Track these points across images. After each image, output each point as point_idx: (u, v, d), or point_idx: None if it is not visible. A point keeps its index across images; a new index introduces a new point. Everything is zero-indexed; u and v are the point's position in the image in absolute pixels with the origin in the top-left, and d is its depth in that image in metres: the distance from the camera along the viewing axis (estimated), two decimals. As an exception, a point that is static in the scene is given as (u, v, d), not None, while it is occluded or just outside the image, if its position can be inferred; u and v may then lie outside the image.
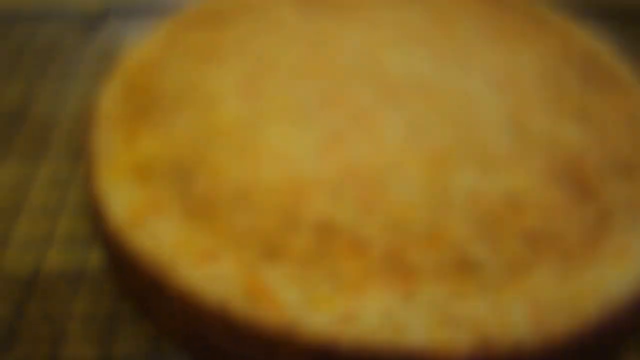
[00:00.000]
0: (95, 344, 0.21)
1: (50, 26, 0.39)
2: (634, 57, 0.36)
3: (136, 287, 0.19)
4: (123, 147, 0.22)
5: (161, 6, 0.39)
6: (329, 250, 0.18)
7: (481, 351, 0.17)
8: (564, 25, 0.29)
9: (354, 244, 0.18)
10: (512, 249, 0.18)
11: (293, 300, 0.17)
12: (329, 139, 0.22)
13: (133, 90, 0.24)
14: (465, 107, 0.24)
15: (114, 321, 0.22)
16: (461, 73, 0.26)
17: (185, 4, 0.38)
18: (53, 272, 0.23)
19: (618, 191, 0.21)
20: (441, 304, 0.17)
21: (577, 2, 0.41)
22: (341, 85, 0.25)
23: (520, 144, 0.22)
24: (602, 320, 0.18)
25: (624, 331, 0.18)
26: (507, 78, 0.25)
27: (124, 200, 0.20)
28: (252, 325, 0.17)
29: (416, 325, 0.17)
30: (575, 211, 0.20)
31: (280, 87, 0.24)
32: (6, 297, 0.22)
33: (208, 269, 0.18)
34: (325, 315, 0.17)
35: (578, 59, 0.27)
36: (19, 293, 0.22)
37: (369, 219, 0.19)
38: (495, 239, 0.19)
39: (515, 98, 0.24)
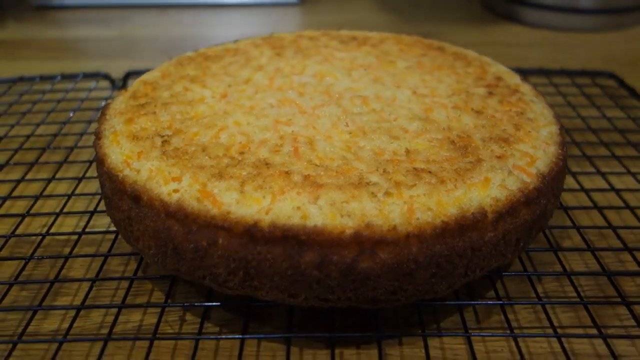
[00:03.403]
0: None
1: (86, 83, 0.49)
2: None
3: (122, 208, 0.26)
4: (123, 126, 0.29)
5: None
6: (262, 176, 0.25)
7: (364, 230, 0.22)
8: (484, 60, 0.37)
9: (282, 173, 0.25)
10: (400, 176, 0.25)
11: (231, 200, 0.23)
12: (278, 122, 0.29)
13: (136, 97, 0.32)
14: (389, 107, 0.31)
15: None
16: (392, 89, 0.33)
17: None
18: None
19: (491, 151, 0.27)
20: (338, 204, 0.23)
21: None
22: (295, 95, 0.32)
23: (425, 127, 0.29)
24: (462, 220, 0.23)
25: (480, 235, 0.24)
26: (428, 92, 0.33)
27: (120, 152, 0.27)
28: (201, 216, 0.23)
29: (317, 215, 0.23)
30: (456, 160, 0.26)
31: (247, 96, 0.32)
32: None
33: (172, 185, 0.25)
34: (253, 208, 0.23)
35: (488, 80, 0.34)
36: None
37: (297, 162, 0.26)
38: (389, 172, 0.25)
39: (430, 103, 0.32)
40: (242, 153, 0.26)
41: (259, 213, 0.23)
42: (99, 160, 0.28)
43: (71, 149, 0.39)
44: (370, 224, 0.23)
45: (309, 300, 0.24)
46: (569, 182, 0.35)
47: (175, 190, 0.24)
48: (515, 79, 0.35)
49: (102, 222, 0.32)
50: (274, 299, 0.24)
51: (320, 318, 0.27)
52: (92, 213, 0.32)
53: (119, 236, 0.31)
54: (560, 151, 0.29)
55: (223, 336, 0.25)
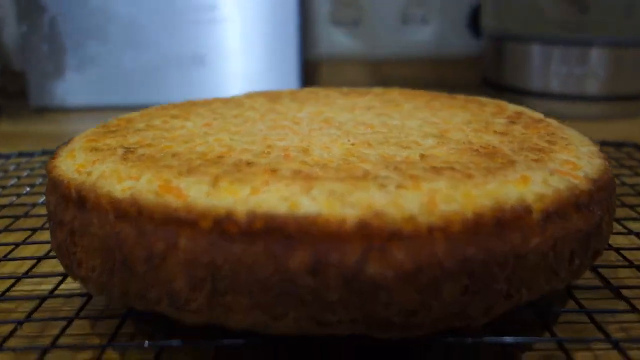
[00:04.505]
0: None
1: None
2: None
3: (65, 221, 0.20)
4: (83, 143, 0.25)
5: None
6: (243, 172, 0.19)
7: (372, 219, 0.17)
8: (499, 102, 0.33)
9: (267, 170, 0.20)
10: (417, 172, 0.20)
11: (200, 193, 0.18)
12: (267, 138, 0.25)
13: (108, 127, 0.28)
14: (398, 130, 0.27)
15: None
16: (400, 120, 0.29)
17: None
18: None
19: (525, 156, 0.22)
20: (337, 194, 0.18)
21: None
22: (289, 123, 0.28)
23: (442, 142, 0.24)
24: (499, 214, 0.18)
25: (524, 238, 0.18)
26: (441, 121, 0.29)
27: (73, 162, 0.22)
28: (158, 210, 0.18)
29: (310, 204, 0.17)
30: (483, 163, 0.21)
31: (234, 124, 0.28)
32: None
33: (127, 183, 0.19)
34: (227, 199, 0.18)
35: (508, 114, 0.30)
36: None
37: (287, 163, 0.21)
38: (402, 169, 0.20)
39: (445, 127, 0.27)
40: (220, 157, 0.22)
41: (235, 204, 0.18)
42: (48, 176, 0.23)
43: (33, 205, 0.34)
44: (381, 212, 0.17)
45: (301, 323, 0.17)
46: (615, 227, 0.30)
47: (130, 188, 0.19)
48: (538, 114, 0.31)
49: (50, 269, 0.27)
50: (253, 325, 0.18)
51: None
52: (39, 259, 0.27)
53: (66, 279, 0.25)
54: (607, 165, 0.24)
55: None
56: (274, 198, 0.18)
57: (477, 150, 0.23)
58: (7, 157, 0.45)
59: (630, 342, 0.21)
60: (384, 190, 0.18)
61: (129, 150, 0.23)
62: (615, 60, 0.62)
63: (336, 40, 0.85)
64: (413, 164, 0.21)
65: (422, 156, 0.22)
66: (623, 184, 0.37)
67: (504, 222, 0.18)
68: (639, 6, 0.65)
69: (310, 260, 0.17)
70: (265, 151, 0.22)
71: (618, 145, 0.46)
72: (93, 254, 0.20)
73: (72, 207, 0.20)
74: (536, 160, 0.22)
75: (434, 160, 0.21)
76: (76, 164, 0.22)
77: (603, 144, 0.46)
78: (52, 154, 0.44)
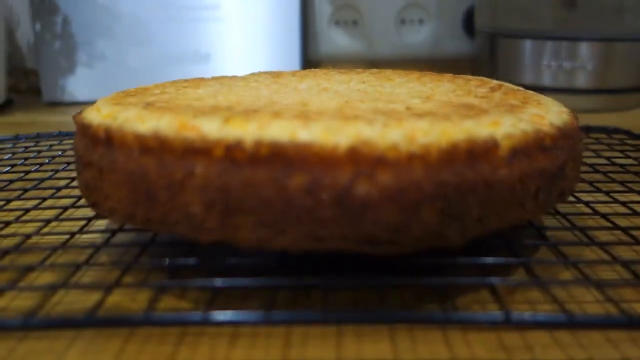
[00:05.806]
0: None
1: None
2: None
3: (93, 161, 0.23)
4: (108, 101, 0.28)
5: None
6: (251, 116, 0.22)
7: (360, 147, 0.20)
8: (483, 78, 0.36)
9: (273, 113, 0.23)
10: (400, 115, 0.22)
11: (213, 127, 0.21)
12: (271, 98, 0.28)
13: (127, 92, 0.31)
14: (388, 94, 0.30)
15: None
16: (391, 89, 0.32)
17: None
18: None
19: (498, 110, 0.25)
20: (331, 128, 0.21)
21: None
22: (290, 89, 0.31)
23: (427, 100, 0.27)
24: (471, 146, 0.21)
25: (493, 169, 0.21)
26: (428, 89, 0.32)
27: (98, 114, 0.25)
28: (177, 143, 0.21)
29: (308, 134, 0.20)
30: (460, 111, 0.24)
31: (241, 88, 0.31)
32: None
33: (149, 123, 0.22)
34: (236, 132, 0.21)
35: (490, 85, 0.33)
36: None
37: (288, 110, 0.24)
38: (389, 114, 0.23)
39: (430, 92, 0.30)
40: (230, 107, 0.24)
41: (244, 134, 0.21)
42: (77, 125, 0.26)
43: (55, 171, 0.37)
44: (368, 141, 0.20)
45: (298, 240, 0.20)
46: (587, 187, 0.32)
47: (153, 126, 0.22)
48: (518, 87, 0.34)
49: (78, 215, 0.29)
50: (258, 241, 0.21)
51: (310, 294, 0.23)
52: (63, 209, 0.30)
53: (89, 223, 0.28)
54: (574, 120, 0.27)
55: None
56: (277, 130, 0.21)
57: (458, 105, 0.26)
58: (26, 137, 0.48)
59: (584, 263, 0.24)
60: (372, 126, 0.21)
61: (149, 104, 0.26)
62: (604, 54, 0.65)
63: (336, 40, 0.88)
64: (399, 112, 0.24)
65: (408, 108, 0.25)
66: (599, 156, 0.39)
67: (475, 153, 0.21)
68: (628, 2, 0.68)
69: (307, 182, 0.20)
70: (269, 105, 0.25)
71: (602, 130, 0.49)
72: (119, 188, 0.23)
73: (100, 147, 0.23)
74: (508, 112, 0.24)
75: (417, 111, 0.24)
76: (101, 115, 0.25)
77: (588, 130, 0.49)
78: (66, 135, 0.47)
